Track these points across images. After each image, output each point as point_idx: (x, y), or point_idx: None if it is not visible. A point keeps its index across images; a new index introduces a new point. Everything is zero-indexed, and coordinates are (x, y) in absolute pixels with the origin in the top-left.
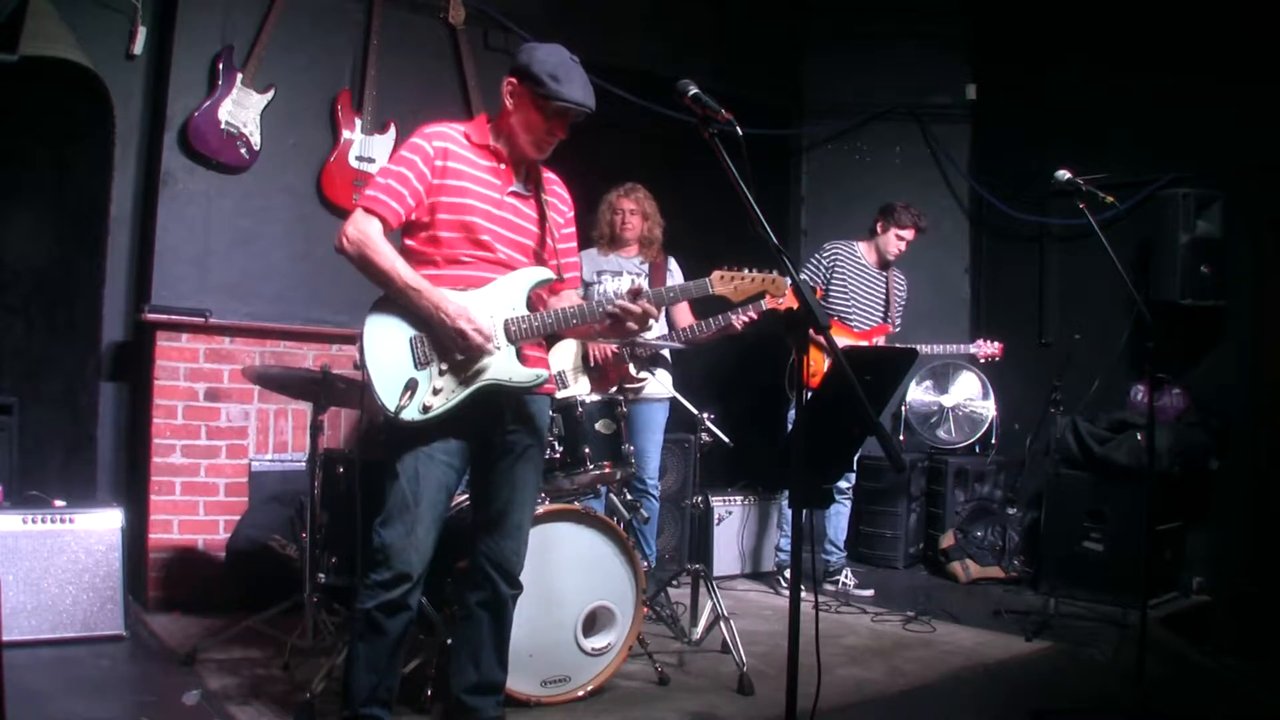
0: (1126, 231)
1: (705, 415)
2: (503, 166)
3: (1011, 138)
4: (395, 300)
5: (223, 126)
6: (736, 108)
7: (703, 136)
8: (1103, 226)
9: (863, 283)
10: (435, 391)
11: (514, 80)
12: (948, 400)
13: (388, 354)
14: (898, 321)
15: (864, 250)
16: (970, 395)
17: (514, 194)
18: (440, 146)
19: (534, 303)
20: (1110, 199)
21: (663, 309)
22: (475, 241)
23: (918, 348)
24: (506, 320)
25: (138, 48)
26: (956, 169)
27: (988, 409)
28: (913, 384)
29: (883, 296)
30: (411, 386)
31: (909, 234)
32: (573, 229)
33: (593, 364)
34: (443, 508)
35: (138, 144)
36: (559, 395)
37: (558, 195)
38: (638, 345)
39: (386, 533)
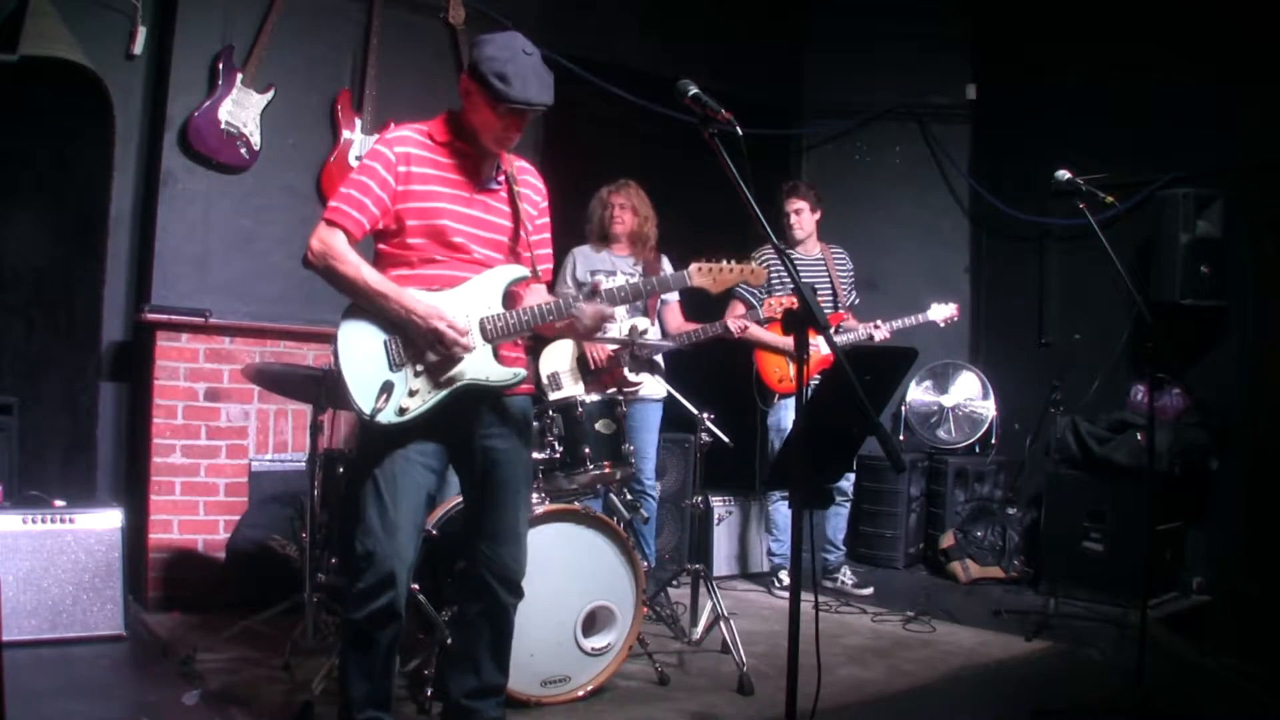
0: (1126, 231)
1: (705, 415)
2: (469, 163)
3: (1011, 138)
4: (366, 306)
5: (223, 126)
6: (736, 108)
7: (703, 136)
8: (1103, 226)
9: (801, 274)
10: (411, 393)
11: (466, 77)
12: (948, 400)
13: (362, 357)
14: (848, 300)
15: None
16: (970, 395)
17: (484, 190)
18: (402, 152)
19: (510, 300)
20: (1110, 199)
21: (656, 313)
22: (449, 244)
23: (879, 324)
24: (482, 319)
25: (138, 48)
26: (956, 169)
27: (988, 409)
28: (912, 384)
29: (827, 281)
30: (387, 389)
31: (792, 204)
32: (546, 219)
33: (593, 367)
34: (423, 511)
35: (138, 144)
36: (554, 396)
37: (530, 185)
38: (636, 347)
39: (367, 540)
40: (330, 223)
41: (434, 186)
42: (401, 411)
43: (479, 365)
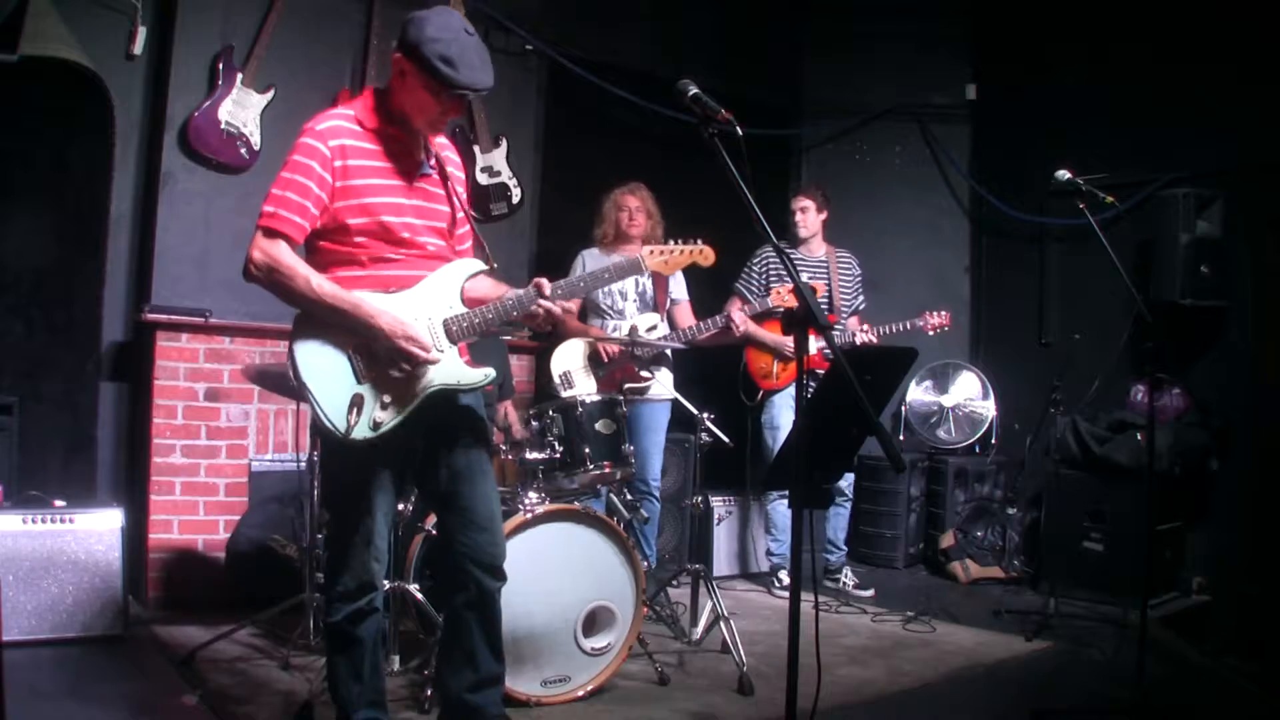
0: (1126, 231)
1: (705, 415)
2: (403, 149)
3: (1011, 138)
4: (324, 319)
5: (223, 126)
6: (736, 108)
7: (703, 136)
8: (1103, 226)
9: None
10: (384, 406)
11: (402, 57)
12: (948, 400)
13: (327, 372)
14: (845, 306)
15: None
16: (970, 395)
17: (421, 177)
18: (337, 145)
19: (465, 296)
20: (1110, 199)
21: (665, 311)
22: (397, 241)
23: (867, 328)
24: (446, 320)
25: (138, 48)
26: (956, 169)
27: (988, 409)
28: (913, 384)
29: (825, 283)
30: (357, 403)
31: (797, 202)
32: (466, 192)
33: (605, 360)
34: (394, 514)
35: (138, 144)
36: (567, 394)
37: (455, 163)
38: (640, 345)
39: (344, 547)
40: (270, 231)
41: (373, 180)
42: (376, 426)
43: (450, 369)
